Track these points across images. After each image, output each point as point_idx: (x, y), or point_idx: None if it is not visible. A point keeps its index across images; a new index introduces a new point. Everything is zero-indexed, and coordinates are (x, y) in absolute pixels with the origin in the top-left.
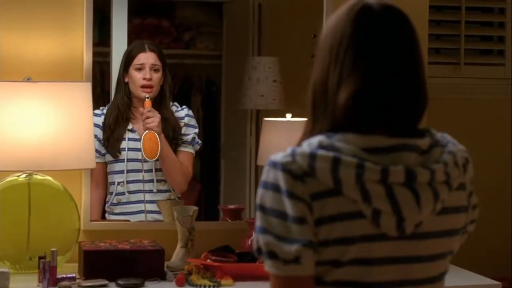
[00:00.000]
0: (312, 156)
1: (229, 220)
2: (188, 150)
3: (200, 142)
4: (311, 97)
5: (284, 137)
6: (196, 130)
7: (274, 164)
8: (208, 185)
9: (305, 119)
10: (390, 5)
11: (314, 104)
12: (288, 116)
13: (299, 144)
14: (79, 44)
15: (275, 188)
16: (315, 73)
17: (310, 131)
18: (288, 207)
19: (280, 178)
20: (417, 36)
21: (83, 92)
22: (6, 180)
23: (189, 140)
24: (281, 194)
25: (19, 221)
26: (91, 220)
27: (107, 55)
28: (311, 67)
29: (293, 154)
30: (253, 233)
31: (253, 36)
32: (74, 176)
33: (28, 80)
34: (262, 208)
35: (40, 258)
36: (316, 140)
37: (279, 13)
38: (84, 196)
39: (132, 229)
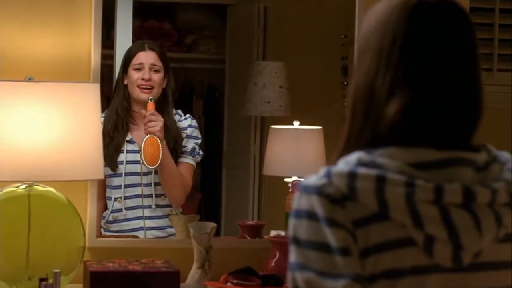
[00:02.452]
0: (351, 176)
1: (248, 238)
2: (188, 161)
3: (201, 153)
4: (351, 103)
5: (292, 145)
6: (198, 141)
7: (306, 189)
8: (209, 195)
9: (313, 127)
10: (448, 1)
11: (354, 112)
12: (296, 124)
13: (335, 162)
14: (86, 41)
15: (311, 216)
16: (358, 75)
17: (345, 144)
18: (329, 236)
19: (316, 204)
20: (476, 36)
21: (91, 93)
22: (4, 191)
23: (189, 150)
24: (319, 222)
25: (17, 236)
26: (97, 237)
27: (108, 57)
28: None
29: (328, 175)
30: (288, 272)
31: (258, 40)
32: (79, 188)
33: (30, 80)
34: (297, 241)
35: (41, 280)
36: (354, 157)
37: (286, 16)
38: (90, 210)
39: (142, 246)
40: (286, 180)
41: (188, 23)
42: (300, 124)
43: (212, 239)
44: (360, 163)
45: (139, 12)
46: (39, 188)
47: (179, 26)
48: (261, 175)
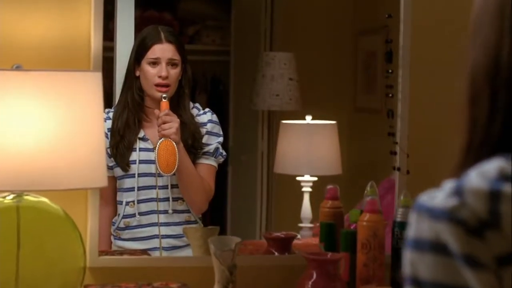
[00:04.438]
0: (494, 196)
1: (276, 253)
2: (209, 163)
3: (224, 153)
4: (468, 89)
5: (304, 141)
6: (220, 139)
7: (431, 211)
8: (214, 195)
9: (326, 121)
10: None
11: (474, 99)
12: (308, 118)
13: (460, 171)
14: (85, 22)
15: (438, 248)
16: (474, 52)
17: (467, 146)
18: (470, 280)
19: (446, 233)
20: None
21: (91, 84)
22: None
23: (211, 151)
24: (451, 258)
25: (4, 256)
26: (99, 253)
27: (108, 50)
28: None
29: (460, 193)
30: None
31: (265, 29)
32: (78, 198)
33: (18, 68)
34: (417, 282)
35: None
36: (493, 167)
37: (294, 3)
38: (90, 224)
39: (154, 265)
40: (298, 178)
41: (190, 13)
42: (313, 119)
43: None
44: (504, 176)
45: (138, 2)
46: (30, 198)
47: (181, 17)
48: (269, 173)
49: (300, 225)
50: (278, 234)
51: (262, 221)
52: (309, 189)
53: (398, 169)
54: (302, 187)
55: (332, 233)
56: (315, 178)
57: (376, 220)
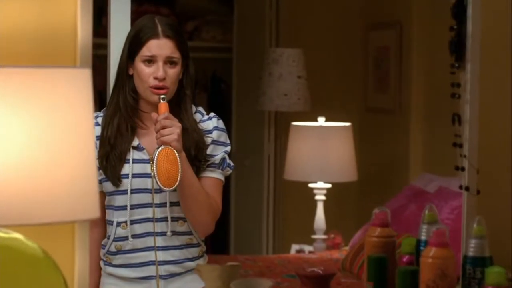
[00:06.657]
0: None
1: None
2: (215, 176)
3: (232, 164)
4: None
5: (317, 145)
6: (228, 149)
7: None
8: None
9: (341, 123)
10: None
11: None
12: (321, 120)
13: None
14: (70, 9)
15: None
16: None
17: None
18: None
19: None
20: None
21: (78, 84)
22: None
23: (217, 162)
24: None
25: None
26: None
27: (100, 47)
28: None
29: None
30: None
31: (270, 24)
32: (61, 233)
33: None
34: None
35: None
36: None
37: None
38: (78, 266)
39: None
40: (310, 185)
41: (189, 7)
42: (326, 121)
43: None
44: None
45: None
46: (1, 235)
47: (179, 11)
48: (276, 179)
49: (313, 236)
50: (315, 269)
51: (269, 232)
52: (323, 197)
53: (467, 188)
54: (315, 195)
55: (383, 269)
56: (329, 185)
57: (445, 256)
